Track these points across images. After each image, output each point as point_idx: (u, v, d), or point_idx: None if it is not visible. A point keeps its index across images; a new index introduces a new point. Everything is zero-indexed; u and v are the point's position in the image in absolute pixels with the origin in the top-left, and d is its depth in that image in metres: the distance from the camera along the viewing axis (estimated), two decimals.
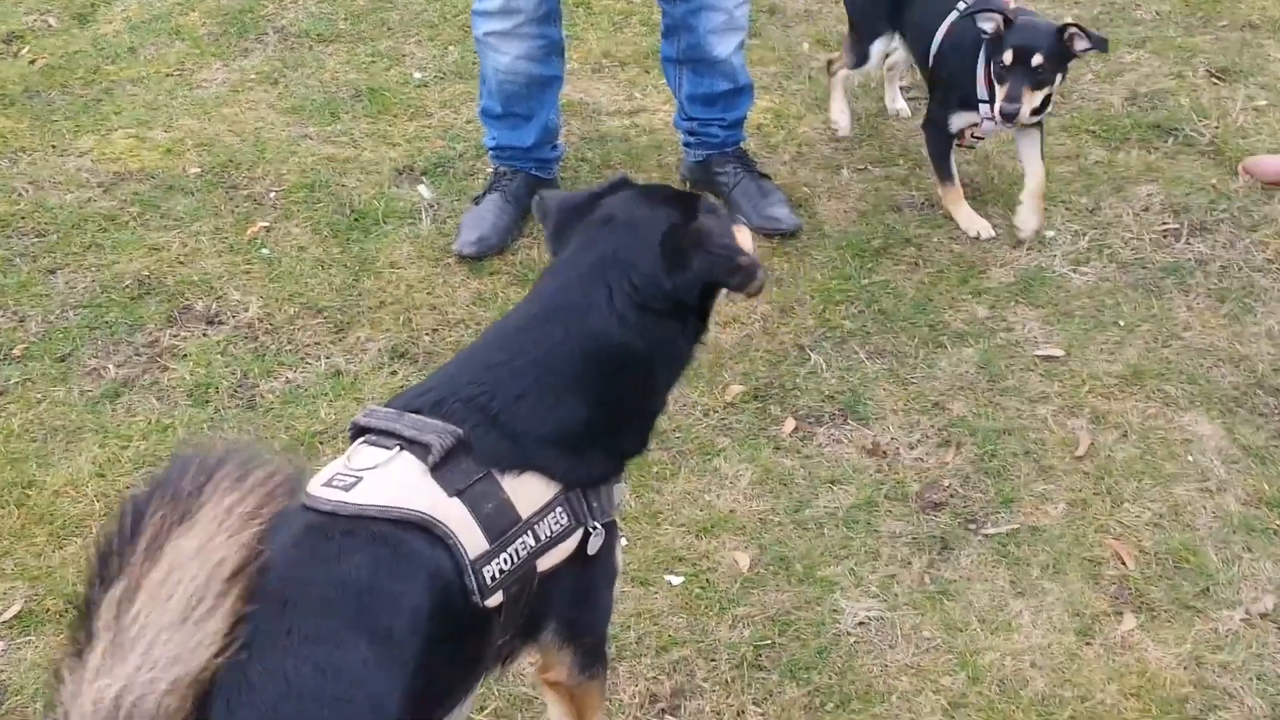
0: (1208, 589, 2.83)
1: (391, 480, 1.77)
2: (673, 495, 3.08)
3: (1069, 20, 3.59)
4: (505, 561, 1.80)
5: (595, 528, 1.92)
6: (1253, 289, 3.70)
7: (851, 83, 4.49)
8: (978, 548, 2.94)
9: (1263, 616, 2.76)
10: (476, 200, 4.02)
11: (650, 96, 4.72)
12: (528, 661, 2.22)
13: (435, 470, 1.78)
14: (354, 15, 5.30)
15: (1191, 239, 3.91)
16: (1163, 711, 2.56)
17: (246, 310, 3.66)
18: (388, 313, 3.66)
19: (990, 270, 3.85)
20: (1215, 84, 4.72)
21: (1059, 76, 3.66)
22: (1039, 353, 3.52)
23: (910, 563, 2.91)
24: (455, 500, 1.77)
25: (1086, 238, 3.94)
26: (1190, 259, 3.83)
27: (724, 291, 2.05)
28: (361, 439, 1.87)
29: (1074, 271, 3.82)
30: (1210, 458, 3.17)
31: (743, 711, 2.57)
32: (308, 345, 3.55)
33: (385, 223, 4.02)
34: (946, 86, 3.93)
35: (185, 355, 3.49)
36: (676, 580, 2.86)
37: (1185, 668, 2.65)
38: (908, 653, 2.70)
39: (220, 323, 3.63)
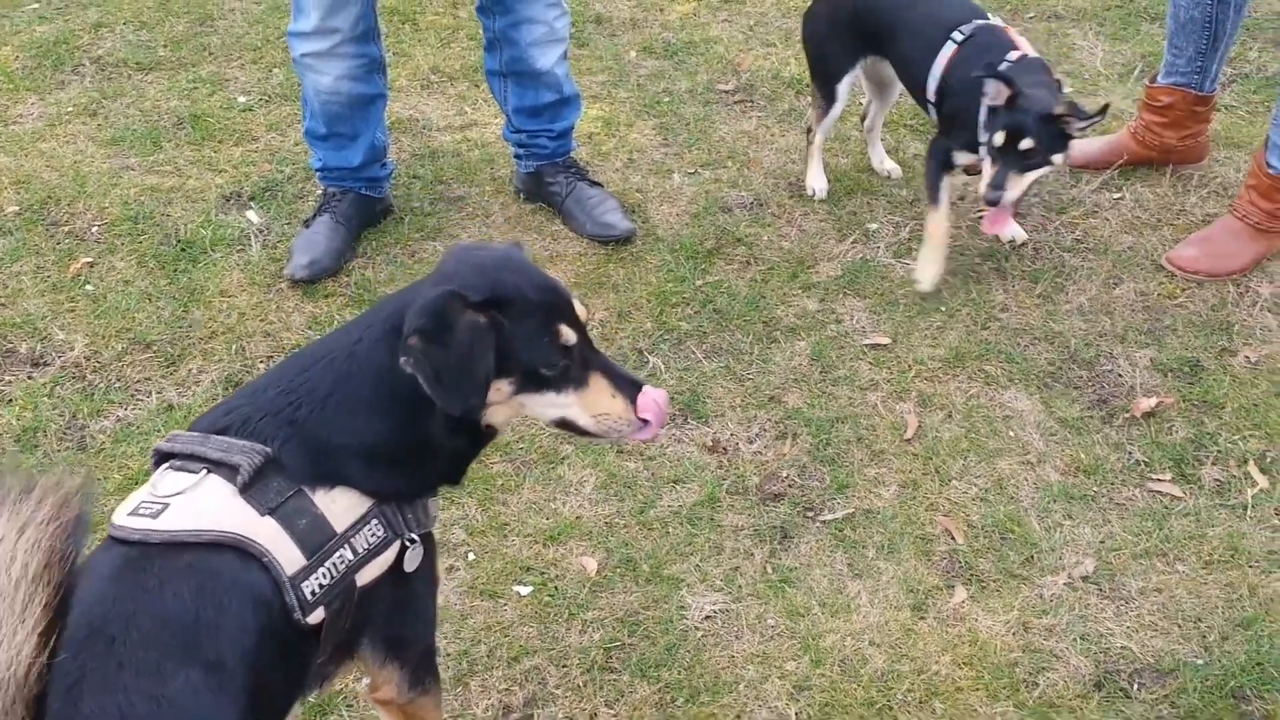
0: (1032, 557, 2.96)
1: (200, 504, 1.75)
2: (518, 506, 3.10)
3: (1060, 107, 3.35)
4: (324, 576, 1.79)
5: (412, 540, 1.92)
6: (1063, 269, 3.88)
7: (828, 134, 4.27)
8: (816, 534, 3.03)
9: (1084, 579, 2.90)
10: (307, 223, 3.98)
11: (481, 110, 4.74)
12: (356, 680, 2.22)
13: (245, 490, 1.77)
14: (174, 41, 5.20)
15: None
16: (994, 678, 2.68)
17: (73, 349, 3.56)
18: (220, 342, 3.60)
19: (819, 265, 3.96)
20: None
21: (1058, 157, 3.45)
22: (867, 342, 3.63)
23: (752, 554, 2.98)
24: (268, 519, 1.76)
25: (908, 229, 4.08)
26: (1005, 244, 3.99)
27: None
28: (166, 465, 1.84)
29: (897, 261, 3.95)
30: (1030, 432, 3.31)
31: (595, 714, 2.60)
32: (138, 381, 3.47)
33: (213, 251, 3.96)
34: (950, 122, 3.71)
35: (10, 400, 3.39)
36: (525, 590, 2.88)
37: (1014, 634, 2.77)
38: (753, 642, 2.77)
39: (46, 364, 3.52)
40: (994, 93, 3.39)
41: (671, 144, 4.57)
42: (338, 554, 1.81)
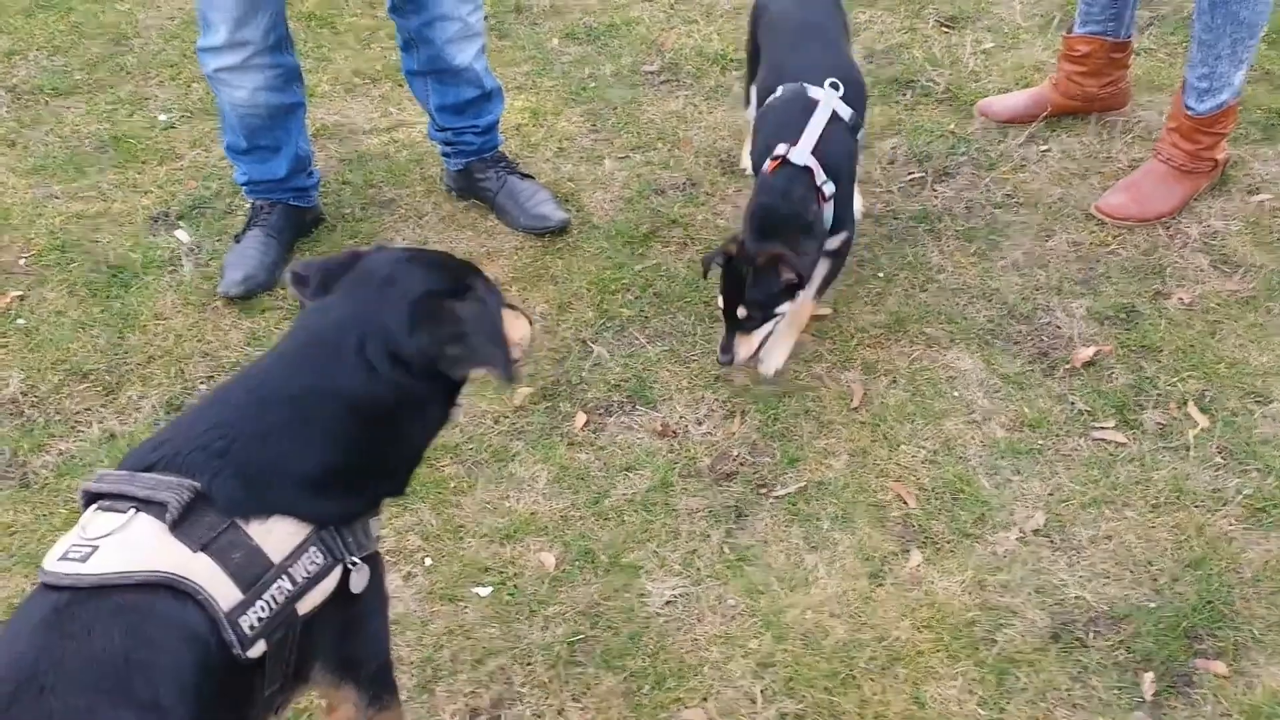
0: (983, 515, 2.99)
1: (129, 544, 1.72)
2: (472, 507, 3.10)
3: (773, 249, 3.07)
4: (263, 609, 1.77)
5: (355, 563, 1.90)
6: (996, 225, 3.91)
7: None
8: (770, 510, 3.04)
9: (1035, 533, 2.94)
10: (238, 238, 3.94)
11: (406, 111, 4.70)
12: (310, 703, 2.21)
13: (175, 528, 1.74)
14: (89, 64, 5.11)
15: (936, 185, 4.10)
16: (954, 638, 2.70)
17: (8, 385, 3.50)
18: (158, 366, 3.56)
19: None
20: (945, 33, 4.95)
21: (783, 307, 3.19)
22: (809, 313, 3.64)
23: (709, 535, 2.99)
24: (201, 555, 1.73)
25: None
26: (937, 204, 4.02)
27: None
28: (94, 505, 1.81)
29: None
30: (974, 390, 3.34)
31: (563, 710, 2.61)
32: (77, 412, 3.43)
33: (145, 274, 3.91)
34: None
35: None
36: (485, 591, 2.87)
37: (969, 593, 2.80)
38: (715, 623, 2.78)
39: None
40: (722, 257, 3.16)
41: (600, 130, 4.55)
42: (275, 585, 1.79)
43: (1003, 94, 4.48)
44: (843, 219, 3.36)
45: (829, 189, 3.22)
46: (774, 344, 3.34)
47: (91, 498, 1.83)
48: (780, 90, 3.38)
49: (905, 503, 3.04)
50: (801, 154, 3.20)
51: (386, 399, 1.91)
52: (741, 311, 3.13)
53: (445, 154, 4.15)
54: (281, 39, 3.66)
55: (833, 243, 3.36)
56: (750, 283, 3.10)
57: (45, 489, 3.20)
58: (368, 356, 1.89)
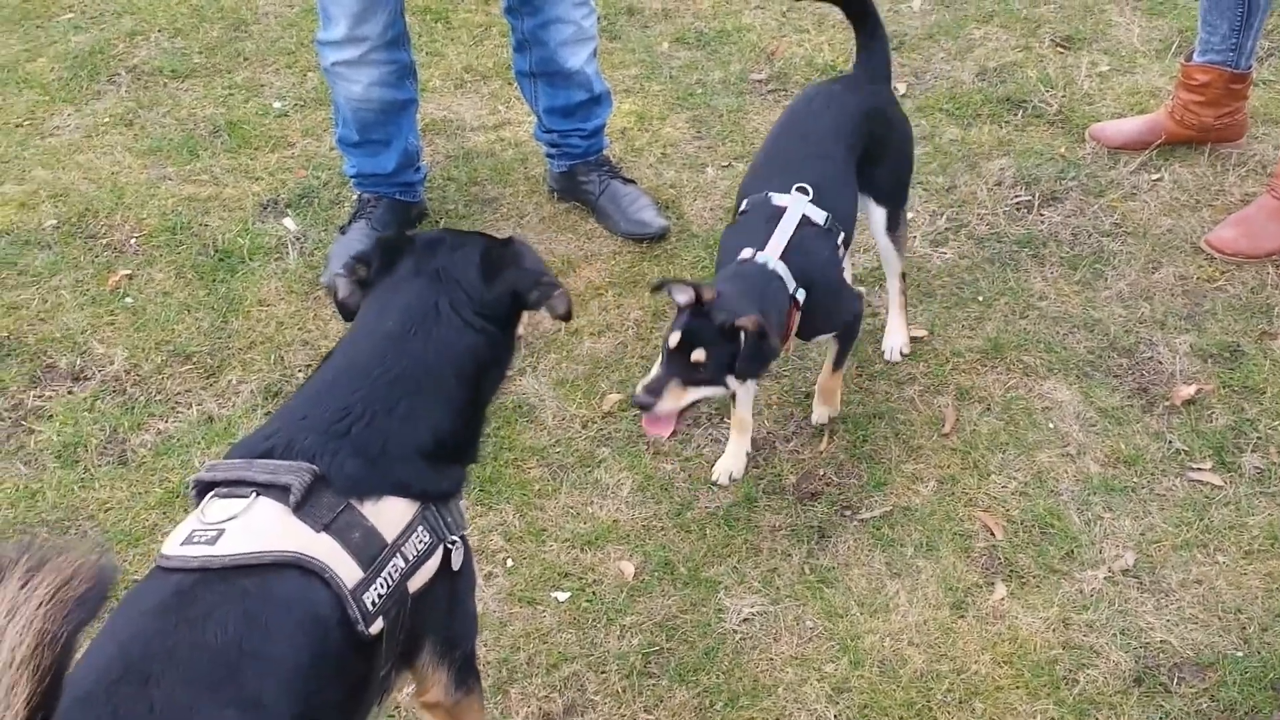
0: (1072, 551, 2.94)
1: (254, 527, 1.78)
2: (555, 511, 3.12)
3: (748, 319, 2.70)
4: (381, 586, 1.84)
5: (454, 542, 1.98)
6: (1102, 254, 3.83)
7: None
8: (854, 533, 3.02)
9: (1124, 573, 2.88)
10: (343, 229, 4.01)
11: (514, 109, 4.74)
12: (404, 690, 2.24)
13: (298, 510, 1.80)
14: (208, 48, 5.24)
15: (1043, 209, 4.03)
16: (1034, 675, 2.66)
17: (112, 363, 3.61)
18: (259, 352, 3.64)
19: (854, 255, 3.93)
20: (1060, 53, 4.86)
21: (731, 381, 2.80)
22: None
23: (790, 554, 2.98)
24: (323, 535, 1.80)
25: (944, 217, 4.04)
26: (1043, 229, 3.95)
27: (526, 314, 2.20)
28: (211, 494, 1.86)
29: (934, 251, 3.92)
30: (1069, 423, 3.28)
31: None
32: (178, 393, 3.52)
33: (251, 260, 4.00)
34: None
35: (51, 415, 3.44)
36: (563, 596, 2.89)
37: (1054, 630, 2.76)
38: (792, 644, 2.77)
39: (86, 378, 3.58)
40: (684, 300, 2.79)
41: (705, 137, 4.55)
42: (391, 563, 1.86)
43: (1116, 119, 4.39)
44: (832, 317, 3.07)
45: (801, 295, 2.90)
46: (818, 404, 3.25)
47: (204, 487, 1.88)
48: (744, 204, 3.09)
49: (992, 534, 2.99)
50: (770, 258, 2.89)
51: (482, 350, 2.06)
52: (699, 354, 2.71)
53: (550, 155, 4.18)
54: (399, 35, 3.72)
55: (825, 338, 3.16)
56: (715, 341, 2.72)
57: (142, 467, 3.29)
58: (460, 315, 2.04)
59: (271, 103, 4.86)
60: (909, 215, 4.05)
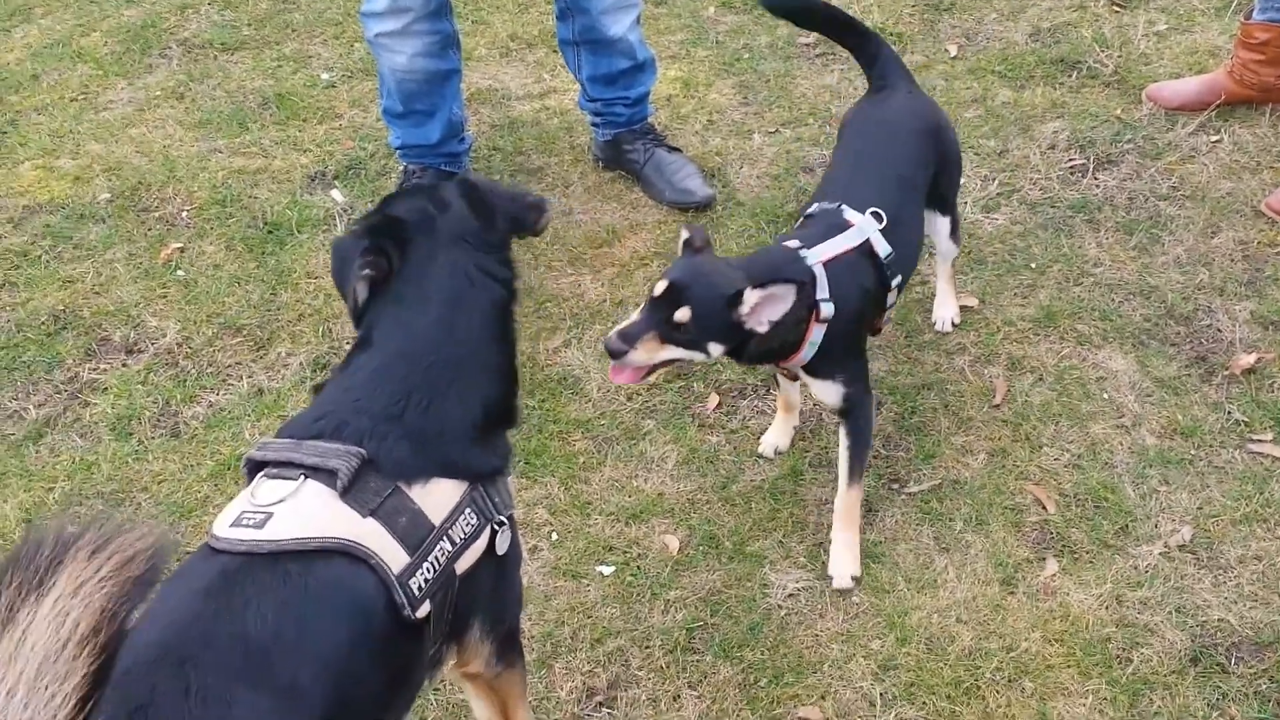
0: (1126, 526, 2.88)
1: (303, 510, 1.78)
2: (600, 484, 3.11)
3: (761, 285, 2.47)
4: (428, 570, 1.84)
5: (501, 523, 1.98)
6: (1159, 218, 3.74)
7: None
8: (902, 507, 2.98)
9: (1180, 548, 2.82)
10: None
11: (560, 77, 4.70)
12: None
13: (345, 494, 1.80)
14: (257, 20, 5.25)
15: (1098, 173, 3.94)
16: (1086, 654, 2.62)
17: (165, 336, 3.64)
18: (308, 325, 3.66)
19: None
20: (1116, 12, 4.74)
21: (715, 349, 2.54)
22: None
23: None
24: (370, 520, 1.80)
25: (996, 182, 3.96)
26: (1098, 193, 3.86)
27: None
28: (261, 474, 1.87)
29: (985, 217, 3.85)
30: (1125, 393, 3.21)
31: (678, 696, 2.61)
32: (229, 366, 3.54)
33: (300, 232, 4.01)
34: None
35: (106, 388, 3.48)
36: (608, 570, 2.89)
37: (1106, 608, 2.71)
38: (837, 620, 2.74)
39: (140, 351, 3.61)
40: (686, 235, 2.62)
41: (751, 103, 4.49)
42: (438, 547, 1.87)
43: (1174, 79, 4.27)
44: (837, 371, 2.75)
45: (827, 309, 2.63)
46: (838, 552, 2.83)
47: (255, 466, 1.88)
48: (814, 208, 2.87)
49: (1044, 508, 2.94)
50: (812, 257, 2.67)
51: (505, 297, 2.10)
52: (683, 314, 2.47)
53: (594, 124, 4.14)
54: (442, 6, 3.70)
55: (830, 395, 2.79)
56: (702, 305, 2.48)
57: (194, 440, 3.32)
58: (486, 272, 2.07)
59: (319, 74, 4.86)
60: (960, 181, 3.99)
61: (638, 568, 2.89)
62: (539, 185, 4.16)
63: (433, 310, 2.03)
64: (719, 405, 3.31)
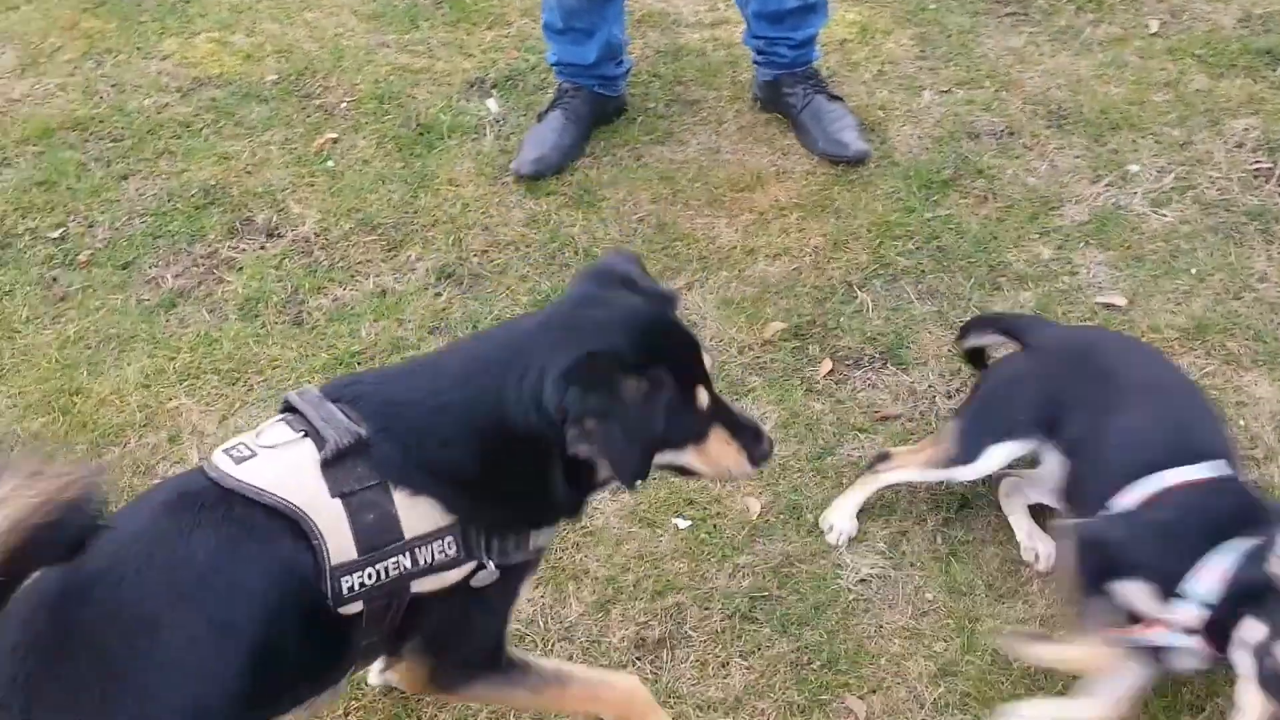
0: None
1: (280, 465, 1.78)
2: None
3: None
4: (370, 576, 1.78)
5: (488, 565, 1.87)
6: None
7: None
8: (997, 509, 2.86)
9: None
10: (540, 116, 3.99)
11: (733, 7, 4.56)
12: None
13: (326, 466, 1.78)
14: None
15: None
16: (1173, 693, 2.47)
17: (304, 224, 3.72)
18: (440, 231, 3.68)
19: (1064, 207, 3.67)
20: None
21: None
22: (1100, 299, 3.36)
23: (925, 519, 2.85)
24: (336, 501, 1.76)
25: (1172, 174, 3.72)
26: (1278, 203, 3.58)
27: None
28: (280, 415, 1.89)
29: (1153, 212, 3.62)
30: (1263, 423, 3.01)
31: (727, 663, 2.58)
32: (359, 263, 3.60)
33: (449, 138, 4.03)
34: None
35: (241, 268, 3.58)
36: (684, 524, 2.86)
37: None
38: (905, 614, 2.66)
39: (279, 235, 3.70)
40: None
41: (928, 57, 4.31)
42: (394, 559, 1.79)
43: None
44: None
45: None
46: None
47: (287, 407, 1.90)
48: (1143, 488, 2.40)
49: None
50: (1206, 581, 2.28)
51: (523, 433, 1.82)
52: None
53: (757, 62, 4.03)
54: None
55: None
56: None
57: (314, 330, 3.40)
58: (522, 387, 1.81)
59: None
60: (1133, 169, 3.77)
61: (714, 526, 2.85)
62: (692, 119, 4.08)
63: (481, 352, 1.95)
64: (831, 371, 3.22)
